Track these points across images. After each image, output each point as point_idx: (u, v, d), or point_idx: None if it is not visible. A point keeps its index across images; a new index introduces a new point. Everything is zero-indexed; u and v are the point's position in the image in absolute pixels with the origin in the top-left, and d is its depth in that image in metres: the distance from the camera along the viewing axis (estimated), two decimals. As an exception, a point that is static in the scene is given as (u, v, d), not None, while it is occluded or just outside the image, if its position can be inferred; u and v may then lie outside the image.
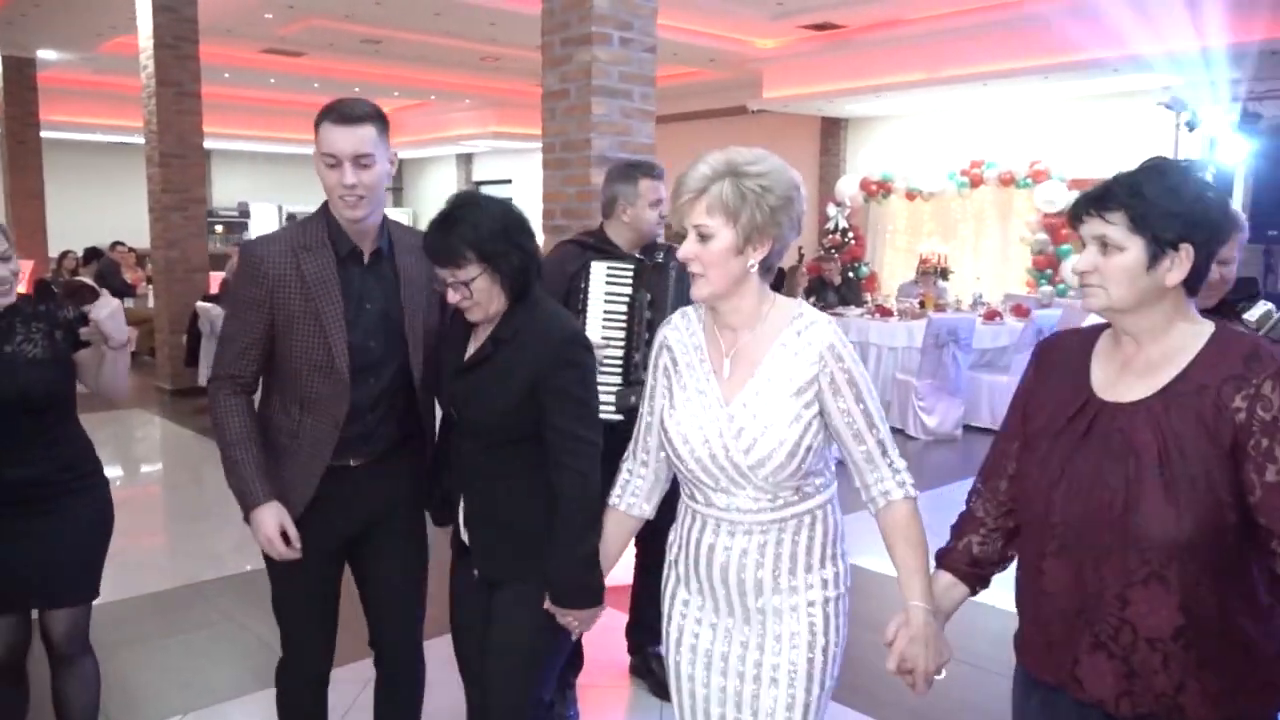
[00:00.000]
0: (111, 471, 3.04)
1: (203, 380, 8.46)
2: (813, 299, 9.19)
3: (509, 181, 20.63)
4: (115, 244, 13.29)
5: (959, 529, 1.82)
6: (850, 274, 11.52)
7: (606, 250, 3.15)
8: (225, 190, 19.70)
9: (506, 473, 2.13)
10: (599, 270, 3.09)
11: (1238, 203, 9.75)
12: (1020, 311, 8.59)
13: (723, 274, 1.74)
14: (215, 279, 9.21)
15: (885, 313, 8.36)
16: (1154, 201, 1.47)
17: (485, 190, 15.65)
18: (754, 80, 13.13)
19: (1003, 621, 2.01)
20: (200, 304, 8.37)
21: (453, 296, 2.08)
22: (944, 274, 9.12)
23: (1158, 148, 9.88)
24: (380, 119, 2.20)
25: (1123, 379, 1.56)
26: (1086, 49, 9.69)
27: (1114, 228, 1.50)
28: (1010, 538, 1.76)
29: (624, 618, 3.59)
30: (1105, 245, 1.51)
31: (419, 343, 2.31)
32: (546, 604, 2.08)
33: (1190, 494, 1.42)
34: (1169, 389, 1.49)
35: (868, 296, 10.59)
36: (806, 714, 1.79)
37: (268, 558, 2.31)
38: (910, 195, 13.31)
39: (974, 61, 10.83)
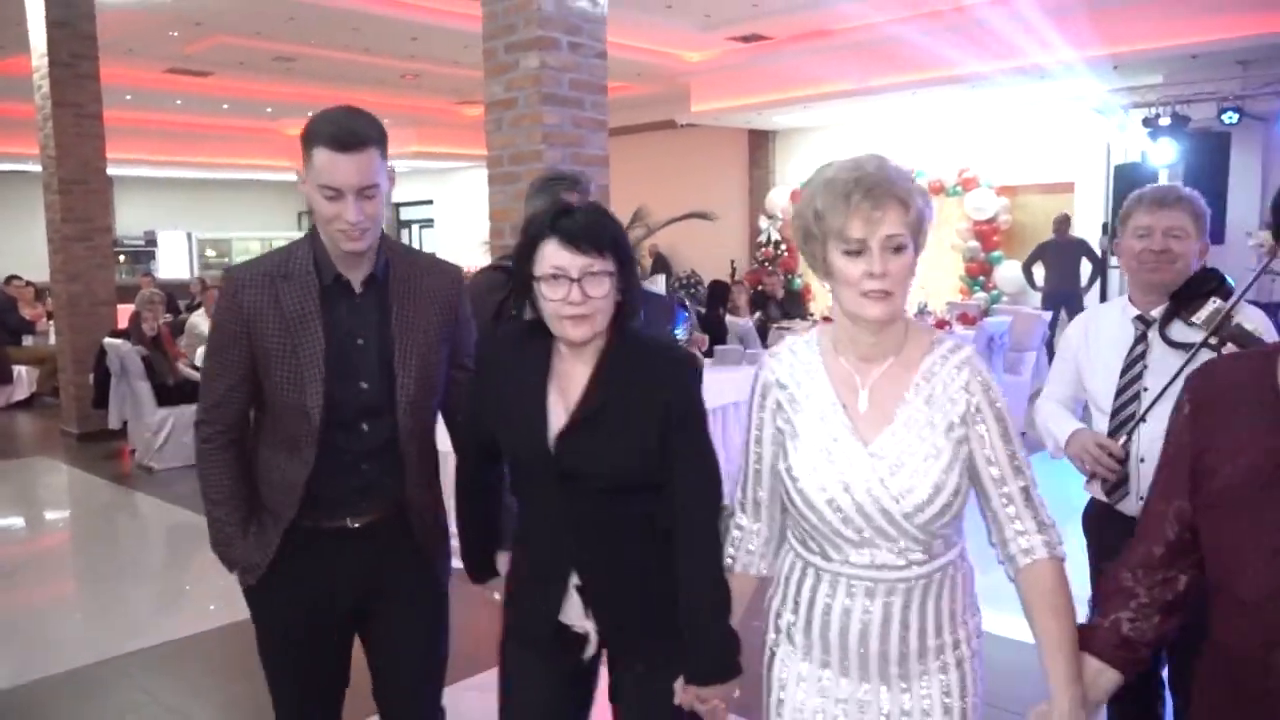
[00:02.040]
0: (11, 526, 2.62)
1: (113, 423, 7.90)
2: (757, 314, 9.00)
3: (430, 203, 20.17)
4: (10, 278, 12.46)
5: (1104, 603, 1.54)
6: (788, 287, 11.40)
7: None
8: (130, 218, 18.79)
9: (638, 528, 1.78)
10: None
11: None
12: (967, 319, 8.53)
13: (905, 292, 1.53)
14: (124, 313, 8.61)
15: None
16: None
17: (406, 212, 15.14)
18: (682, 94, 12.98)
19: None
20: (108, 340, 7.79)
21: (570, 293, 1.67)
22: (888, 284, 9.02)
23: (1087, 153, 10.05)
24: (383, 138, 1.94)
25: None
26: (1012, 57, 9.74)
27: None
28: (1169, 613, 1.49)
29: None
30: None
31: (411, 380, 2.02)
32: (683, 688, 1.76)
33: None
34: None
35: (813, 310, 10.46)
36: None
37: (257, 629, 2.14)
38: (842, 206, 13.30)
39: (901, 71, 10.82)
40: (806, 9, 9.99)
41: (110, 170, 9.08)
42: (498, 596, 1.99)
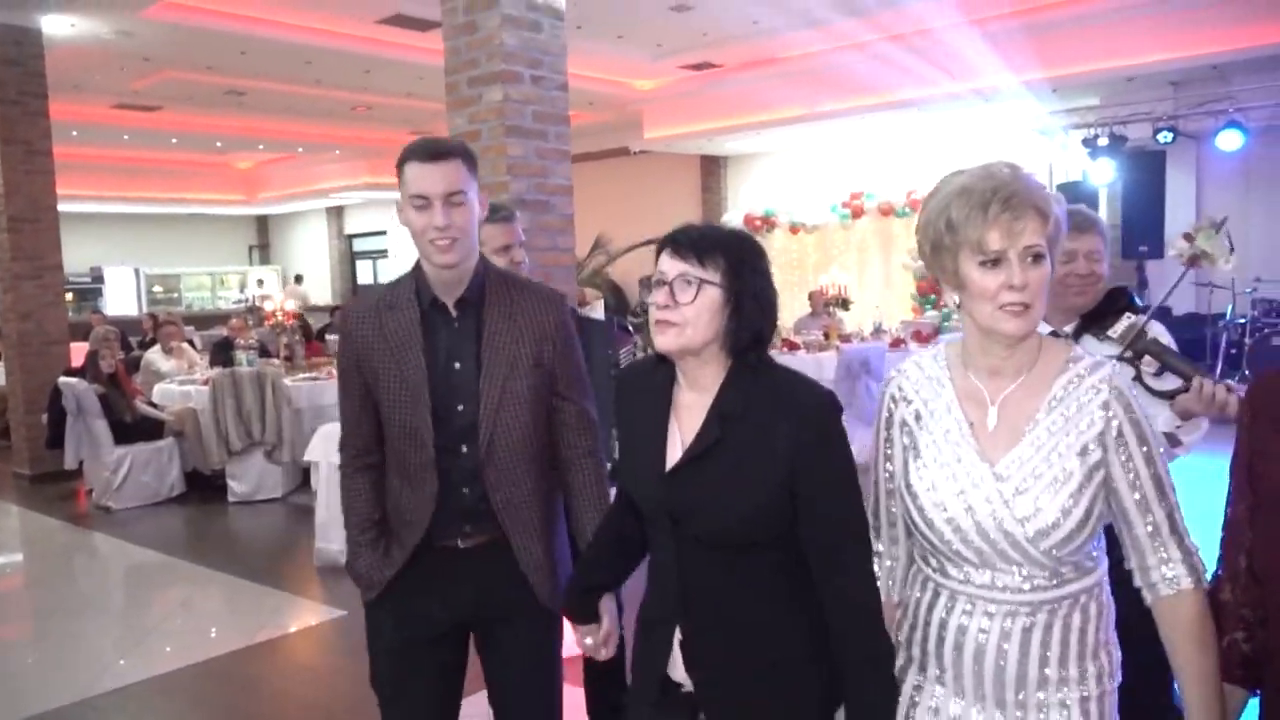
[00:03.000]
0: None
1: (69, 463, 7.76)
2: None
3: (384, 233, 20.07)
4: (-45, 318, 12.19)
5: (1217, 624, 1.50)
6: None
7: None
8: (76, 255, 18.45)
9: (748, 589, 1.62)
10: None
11: (1107, 222, 10.20)
12: (921, 337, 8.70)
13: (1043, 306, 1.46)
14: (78, 351, 8.48)
15: (792, 346, 8.33)
16: None
17: (359, 243, 15.01)
18: (635, 121, 13.13)
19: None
20: (62, 380, 7.66)
21: (662, 297, 1.61)
22: (844, 305, 9.18)
23: (1031, 171, 10.36)
24: (469, 155, 2.03)
25: None
26: (956, 81, 10.02)
27: None
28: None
29: (571, 691, 3.30)
30: None
31: (495, 406, 2.04)
32: None
33: None
34: None
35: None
36: None
37: (370, 654, 2.17)
38: (794, 229, 13.52)
39: (849, 96, 11.07)
40: (755, 38, 10.20)
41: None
42: (589, 642, 1.92)
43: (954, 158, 10.97)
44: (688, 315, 1.59)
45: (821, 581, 1.60)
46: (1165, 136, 8.97)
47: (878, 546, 1.67)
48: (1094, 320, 2.42)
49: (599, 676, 3.19)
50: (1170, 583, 1.48)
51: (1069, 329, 2.47)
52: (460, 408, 2.04)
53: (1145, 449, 1.47)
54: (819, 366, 7.90)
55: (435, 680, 2.14)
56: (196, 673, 4.15)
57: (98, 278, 18.72)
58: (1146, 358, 2.29)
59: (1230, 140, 8.60)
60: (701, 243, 1.61)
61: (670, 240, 1.64)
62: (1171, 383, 2.25)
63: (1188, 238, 2.48)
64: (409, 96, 11.92)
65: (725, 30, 9.93)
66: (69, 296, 16.30)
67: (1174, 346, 2.37)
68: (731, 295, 1.60)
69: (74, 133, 12.78)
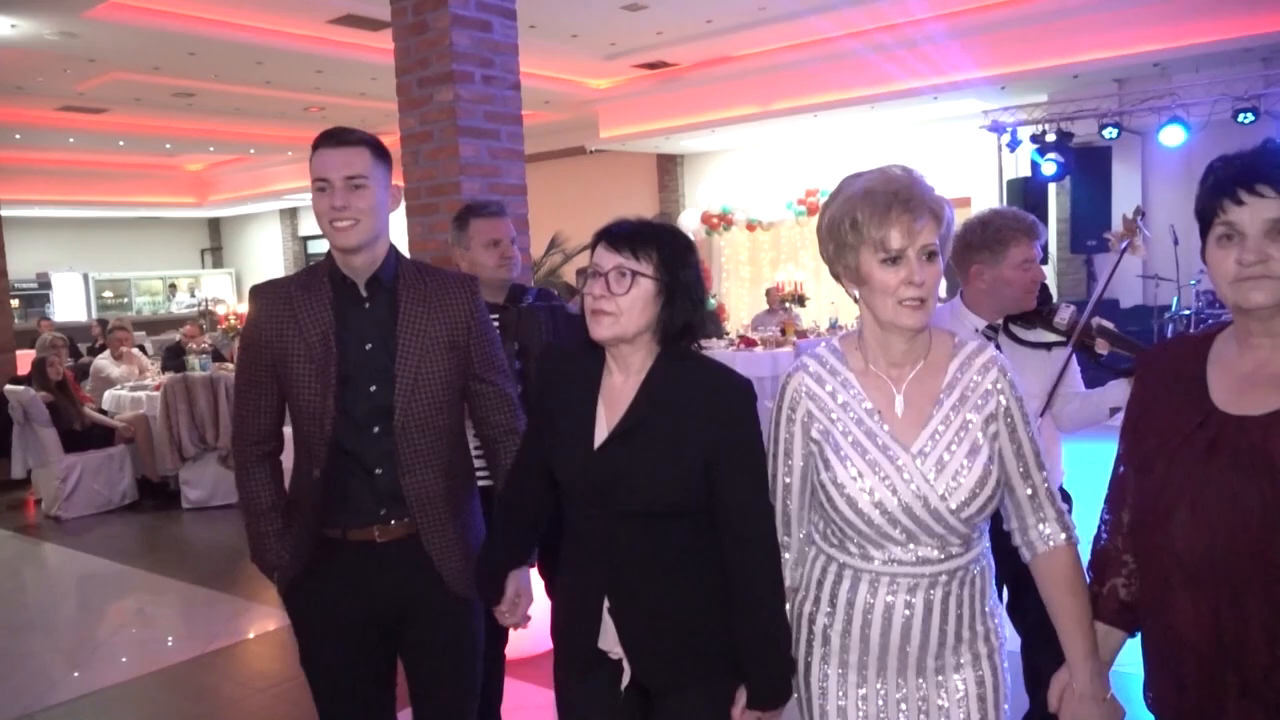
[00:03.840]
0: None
1: (16, 472, 7.61)
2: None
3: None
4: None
5: (1098, 570, 1.64)
6: (703, 307, 11.57)
7: None
8: (21, 261, 18.07)
9: (671, 558, 1.74)
10: None
11: (1056, 216, 10.38)
12: (876, 333, 8.80)
13: (935, 300, 1.58)
14: (24, 359, 8.31)
15: (749, 343, 8.38)
16: None
17: (314, 245, 14.82)
18: (590, 121, 13.12)
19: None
20: (9, 388, 7.51)
21: (598, 287, 1.70)
22: (801, 301, 9.25)
23: (981, 169, 10.46)
24: (378, 147, 2.09)
25: (1253, 389, 1.39)
26: (908, 79, 10.15)
27: None
28: None
29: (546, 693, 3.29)
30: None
31: (410, 386, 2.07)
32: (742, 711, 1.74)
33: None
34: None
35: (728, 328, 10.64)
36: None
37: (298, 640, 2.17)
38: (750, 226, 13.59)
39: (802, 94, 11.16)
40: (709, 37, 10.24)
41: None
42: (506, 616, 2.01)
43: (906, 154, 11.14)
44: (622, 305, 1.69)
45: (728, 554, 1.72)
46: (1110, 133, 9.15)
47: (783, 538, 1.75)
48: (1018, 315, 2.63)
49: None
50: (1046, 539, 1.65)
51: (999, 321, 2.66)
52: (373, 388, 2.05)
53: (1025, 423, 1.62)
54: (775, 362, 7.96)
55: (363, 670, 2.15)
56: (153, 682, 4.10)
57: (44, 283, 18.32)
58: (1099, 340, 2.48)
59: (1173, 136, 8.78)
60: (636, 237, 1.71)
61: (606, 234, 1.74)
62: (1121, 361, 2.45)
63: (1125, 219, 2.64)
64: (362, 97, 11.80)
65: (679, 30, 9.95)
66: (14, 303, 16.01)
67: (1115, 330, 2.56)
68: (664, 287, 1.70)
69: (17, 135, 12.51)
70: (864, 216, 1.55)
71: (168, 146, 14.64)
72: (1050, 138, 9.40)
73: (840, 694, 1.67)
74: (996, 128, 9.78)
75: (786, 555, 1.75)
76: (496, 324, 2.85)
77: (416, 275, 2.15)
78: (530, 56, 10.55)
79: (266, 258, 21.04)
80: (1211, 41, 8.56)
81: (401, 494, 2.07)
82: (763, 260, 13.83)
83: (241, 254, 21.77)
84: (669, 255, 1.72)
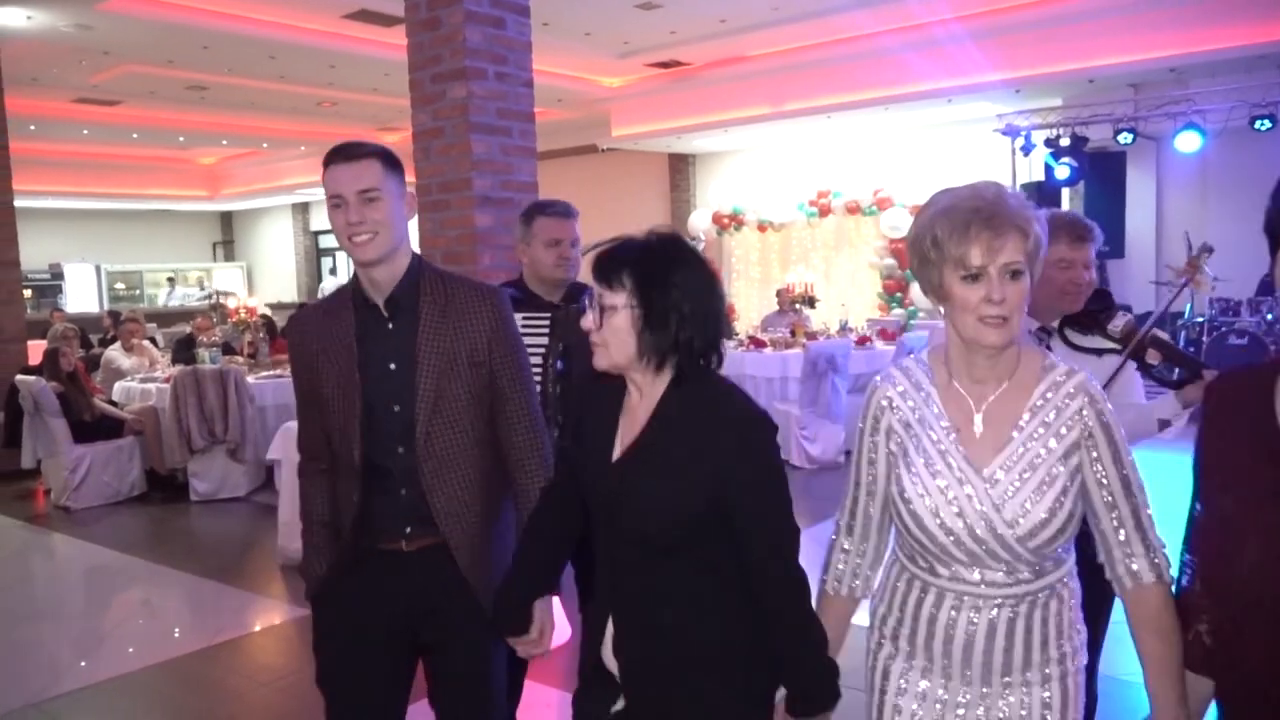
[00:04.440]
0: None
1: (26, 462, 7.63)
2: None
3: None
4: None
5: (1183, 615, 1.56)
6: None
7: (520, 299, 2.95)
8: (35, 251, 18.16)
9: (675, 588, 1.70)
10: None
11: (1069, 221, 10.33)
12: (886, 335, 8.76)
13: (1022, 318, 1.55)
14: (35, 349, 8.34)
15: (759, 344, 8.35)
16: None
17: (325, 240, 14.85)
18: (603, 119, 13.12)
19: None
20: (20, 378, 7.52)
21: (586, 322, 1.71)
22: (811, 302, 9.23)
23: (994, 172, 10.45)
24: (388, 157, 2.06)
25: None
26: (922, 81, 10.12)
27: None
28: None
29: (558, 694, 3.30)
30: None
31: (431, 404, 2.05)
32: (783, 716, 1.72)
33: None
34: None
35: (738, 328, 10.63)
36: None
37: (316, 655, 2.18)
38: (761, 227, 13.58)
39: (816, 95, 11.15)
40: (723, 36, 10.23)
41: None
42: (527, 650, 1.96)
43: (920, 157, 11.10)
44: (606, 338, 1.68)
45: (752, 582, 1.67)
46: (1125, 138, 9.10)
47: (845, 544, 1.76)
48: (1074, 318, 2.58)
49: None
50: (1135, 576, 1.58)
51: (1053, 323, 2.63)
52: (397, 409, 2.05)
53: (1114, 450, 1.56)
54: (784, 364, 7.94)
55: (381, 681, 2.14)
56: (158, 673, 4.10)
57: (57, 274, 18.42)
58: (1150, 350, 2.46)
59: (1189, 142, 8.74)
60: (608, 266, 1.68)
61: (593, 262, 1.71)
62: (1180, 374, 2.43)
63: (1191, 260, 2.63)
64: (374, 92, 11.83)
65: (692, 29, 9.95)
66: (27, 293, 16.11)
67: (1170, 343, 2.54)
68: (642, 313, 1.65)
69: (32, 127, 12.57)
70: (944, 233, 1.54)
71: (181, 140, 14.71)
72: (1064, 142, 9.37)
73: (902, 684, 1.68)
74: (1010, 131, 9.74)
75: (855, 560, 1.76)
76: (548, 322, 2.88)
77: (440, 288, 2.12)
78: (543, 54, 10.55)
79: (277, 252, 21.12)
80: (1229, 48, 8.51)
81: (427, 511, 2.07)
82: (773, 261, 13.82)
83: (253, 248, 21.85)
84: (645, 278, 1.66)
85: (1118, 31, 8.92)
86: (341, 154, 2.02)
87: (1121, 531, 1.58)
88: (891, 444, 1.65)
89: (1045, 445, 1.56)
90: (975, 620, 1.59)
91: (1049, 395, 1.58)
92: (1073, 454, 1.56)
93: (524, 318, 2.85)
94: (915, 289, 12.32)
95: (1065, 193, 10.09)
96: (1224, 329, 8.99)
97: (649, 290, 1.65)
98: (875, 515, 1.72)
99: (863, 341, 8.48)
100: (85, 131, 13.82)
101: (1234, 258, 9.96)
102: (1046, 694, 1.60)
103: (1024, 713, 1.60)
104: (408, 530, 2.08)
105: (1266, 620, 1.33)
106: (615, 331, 1.67)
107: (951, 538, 1.56)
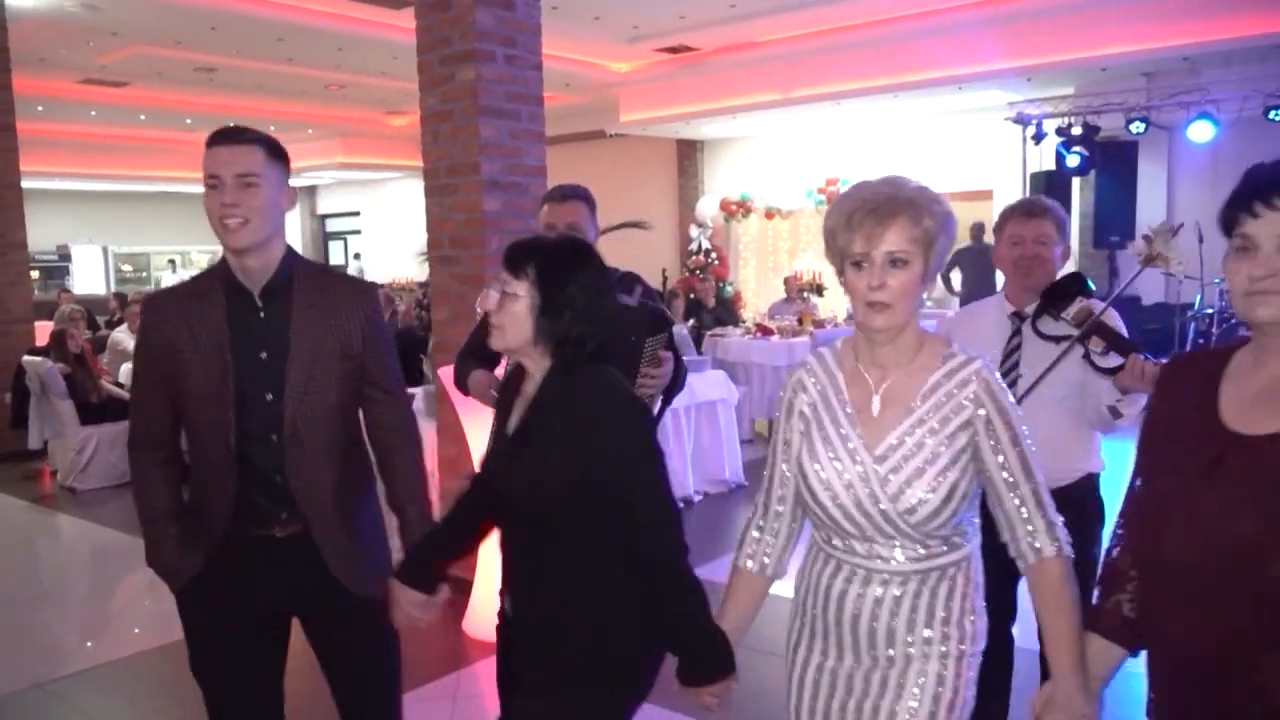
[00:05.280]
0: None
1: (33, 443, 7.67)
2: (691, 321, 9.10)
3: (357, 214, 19.89)
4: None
5: (1105, 583, 1.61)
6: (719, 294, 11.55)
7: None
8: (42, 233, 18.17)
9: (550, 565, 1.84)
10: None
11: (1079, 211, 10.28)
12: (894, 324, 8.73)
13: (908, 306, 1.63)
14: (42, 330, 8.35)
15: (766, 332, 8.33)
16: None
17: (332, 223, 14.85)
18: (611, 104, 13.05)
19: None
20: (27, 358, 7.54)
21: (489, 303, 1.87)
22: (819, 290, 9.19)
23: (1004, 161, 10.34)
24: (272, 146, 2.08)
25: (1262, 406, 1.35)
26: (932, 68, 10.04)
27: None
28: None
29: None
30: None
31: (300, 393, 2.07)
32: (680, 689, 1.85)
33: None
34: None
35: (745, 316, 10.60)
36: None
37: (188, 641, 2.17)
38: (769, 214, 13.53)
39: (826, 81, 11.07)
40: (732, 21, 10.16)
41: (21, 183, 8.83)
42: (415, 612, 2.00)
43: (929, 145, 11.03)
44: (503, 320, 1.84)
45: (634, 559, 1.81)
46: (1137, 127, 9.03)
47: (759, 521, 1.86)
48: (1052, 301, 2.61)
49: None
50: (1037, 552, 1.66)
51: (1030, 309, 2.67)
52: (269, 397, 2.06)
53: (1012, 433, 1.64)
54: (791, 351, 7.92)
55: (257, 666, 2.17)
56: (165, 654, 4.10)
57: (64, 256, 18.44)
58: (1095, 338, 2.50)
59: (1201, 131, 8.67)
60: (516, 257, 1.85)
61: (505, 252, 1.87)
62: (1116, 361, 2.45)
63: (1147, 240, 2.64)
64: (383, 75, 11.78)
65: (702, 14, 9.88)
66: (34, 275, 16.15)
67: (1124, 331, 2.55)
68: (539, 303, 1.81)
69: (39, 108, 12.53)
70: (836, 224, 1.65)
71: (188, 122, 14.65)
72: (1076, 131, 9.29)
73: (804, 666, 1.78)
74: (1022, 119, 9.67)
75: (770, 544, 1.84)
76: None
77: (312, 282, 2.15)
78: (551, 38, 10.46)
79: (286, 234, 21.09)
80: (1243, 37, 8.42)
81: (304, 495, 2.09)
82: (781, 249, 13.77)
83: (260, 231, 21.83)
84: (547, 270, 1.82)
85: (1131, 20, 8.83)
86: (225, 136, 2.04)
87: (1024, 510, 1.65)
88: (800, 424, 1.75)
89: (934, 426, 1.64)
90: (864, 594, 1.68)
91: (944, 380, 1.66)
92: (960, 435, 1.63)
93: None
94: (923, 278, 12.28)
95: (1076, 182, 10.01)
96: (1234, 320, 8.93)
97: (550, 283, 1.82)
98: (788, 496, 1.81)
99: (870, 330, 8.46)
100: (93, 113, 13.78)
101: (1245, 249, 9.91)
102: (923, 678, 1.66)
103: (914, 690, 1.66)
104: (282, 516, 2.09)
105: (1185, 593, 1.37)
106: (513, 316, 1.82)
107: (841, 510, 1.66)
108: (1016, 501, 1.65)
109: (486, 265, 4.32)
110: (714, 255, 13.20)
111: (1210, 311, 8.82)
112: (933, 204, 1.62)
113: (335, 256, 20.74)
